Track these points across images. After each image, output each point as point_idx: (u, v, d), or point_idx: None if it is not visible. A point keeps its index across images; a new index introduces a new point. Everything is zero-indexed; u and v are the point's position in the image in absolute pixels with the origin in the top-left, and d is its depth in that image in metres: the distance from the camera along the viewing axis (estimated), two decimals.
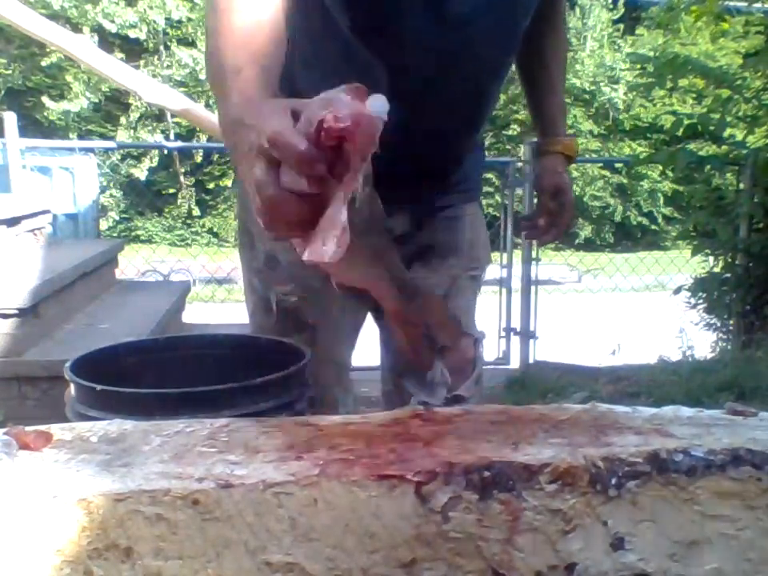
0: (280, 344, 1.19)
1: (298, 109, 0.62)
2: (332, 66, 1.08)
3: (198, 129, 10.89)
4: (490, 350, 4.26)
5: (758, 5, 4.89)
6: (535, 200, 1.42)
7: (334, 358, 1.26)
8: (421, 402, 1.20)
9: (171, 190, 18.32)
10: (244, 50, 0.80)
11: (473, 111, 1.16)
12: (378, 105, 0.60)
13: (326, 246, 0.58)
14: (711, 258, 4.71)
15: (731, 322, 4.58)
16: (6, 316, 2.44)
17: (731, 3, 5.00)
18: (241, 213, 1.29)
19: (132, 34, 14.12)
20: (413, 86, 1.04)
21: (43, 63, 14.62)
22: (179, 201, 18.13)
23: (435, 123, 1.10)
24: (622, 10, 19.31)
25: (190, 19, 15.09)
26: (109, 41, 13.77)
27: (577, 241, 18.18)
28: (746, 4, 4.97)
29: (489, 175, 14.22)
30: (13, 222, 3.34)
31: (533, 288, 4.40)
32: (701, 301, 4.70)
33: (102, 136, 16.28)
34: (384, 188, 0.96)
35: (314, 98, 0.61)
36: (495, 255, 4.54)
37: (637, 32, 19.44)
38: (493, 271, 4.42)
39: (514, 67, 1.33)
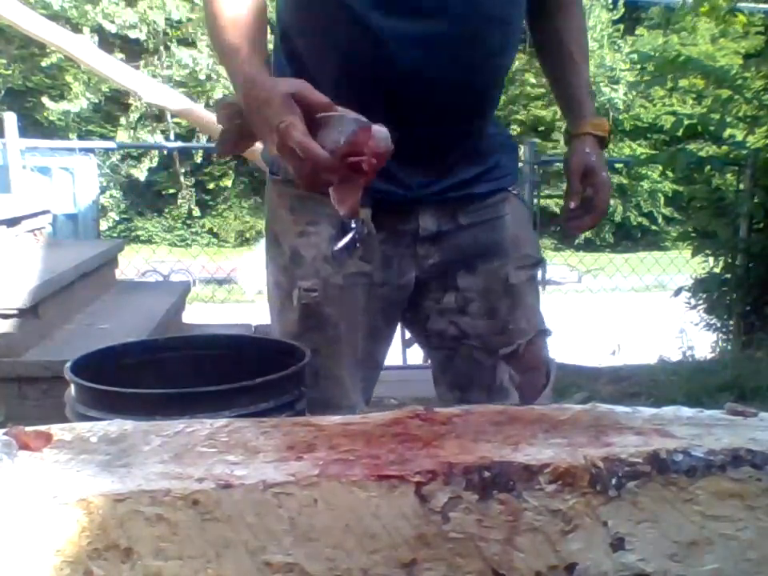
0: (280, 344, 1.19)
1: (300, 96, 0.86)
2: (322, 30, 1.12)
3: (197, 129, 10.89)
4: None
5: (763, 5, 4.90)
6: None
7: (357, 356, 1.26)
8: None
9: (171, 191, 18.32)
10: (236, 30, 0.99)
11: (481, 73, 1.16)
12: (382, 134, 0.82)
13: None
14: (711, 259, 4.70)
15: (731, 322, 4.58)
16: (6, 316, 2.43)
17: (741, 4, 4.99)
18: (267, 213, 1.30)
19: (132, 34, 14.12)
20: (422, 41, 1.08)
21: (43, 63, 14.62)
22: (179, 201, 18.13)
23: (440, 83, 1.12)
24: (622, 10, 19.30)
25: (189, 19, 15.08)
26: (109, 41, 13.75)
27: (577, 241, 18.16)
28: (753, 4, 4.96)
29: None
30: (13, 222, 3.34)
31: None
32: (701, 301, 4.70)
33: (102, 136, 16.28)
34: (410, 157, 1.09)
35: (326, 113, 0.85)
36: None
37: (637, 32, 19.45)
38: None
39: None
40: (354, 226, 1.14)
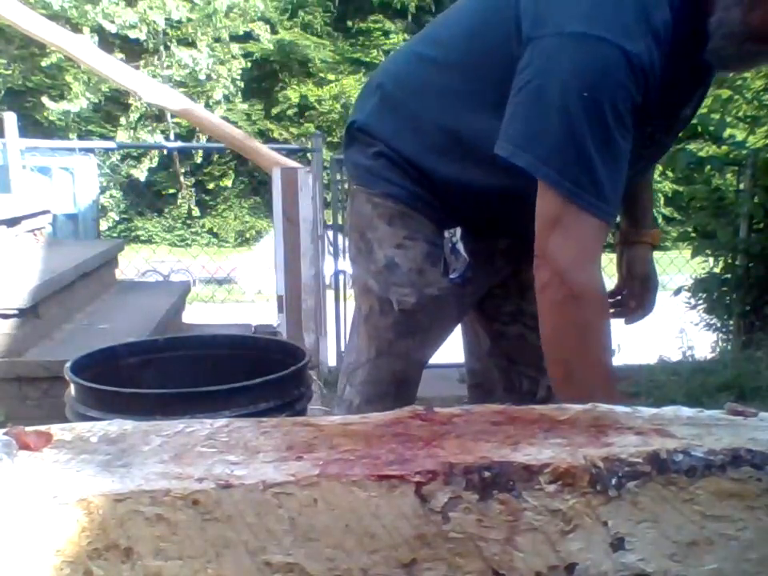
0: (280, 344, 1.19)
1: None
2: None
3: (197, 129, 10.88)
4: None
5: None
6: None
7: (425, 360, 1.34)
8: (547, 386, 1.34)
9: (171, 190, 18.31)
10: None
11: None
12: None
13: None
14: (711, 259, 4.70)
15: (731, 322, 4.58)
16: (6, 316, 2.43)
17: None
18: (358, 221, 1.33)
19: (132, 34, 14.10)
20: None
21: (43, 63, 14.59)
22: (179, 201, 18.12)
23: None
24: None
25: (189, 19, 15.07)
26: (109, 41, 13.74)
27: None
28: None
29: None
30: (13, 222, 3.33)
31: None
32: (701, 301, 4.70)
33: (102, 136, 16.26)
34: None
35: None
36: None
37: None
38: None
39: None
40: (460, 251, 1.23)
